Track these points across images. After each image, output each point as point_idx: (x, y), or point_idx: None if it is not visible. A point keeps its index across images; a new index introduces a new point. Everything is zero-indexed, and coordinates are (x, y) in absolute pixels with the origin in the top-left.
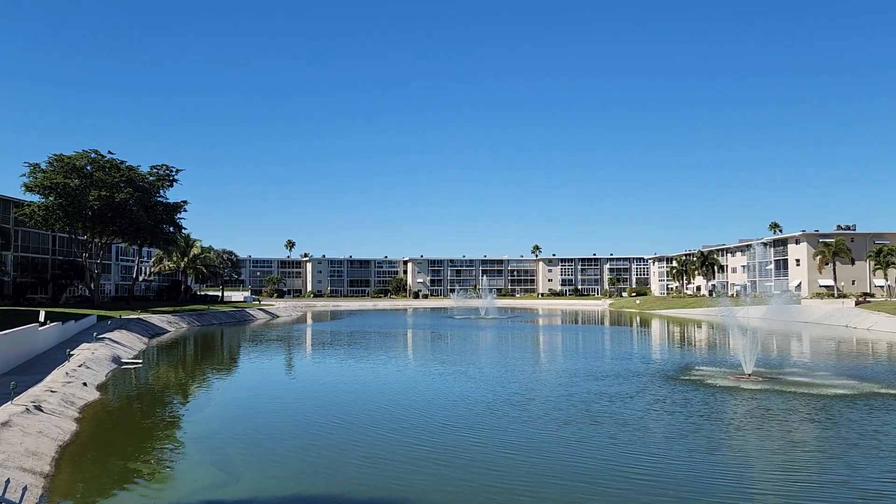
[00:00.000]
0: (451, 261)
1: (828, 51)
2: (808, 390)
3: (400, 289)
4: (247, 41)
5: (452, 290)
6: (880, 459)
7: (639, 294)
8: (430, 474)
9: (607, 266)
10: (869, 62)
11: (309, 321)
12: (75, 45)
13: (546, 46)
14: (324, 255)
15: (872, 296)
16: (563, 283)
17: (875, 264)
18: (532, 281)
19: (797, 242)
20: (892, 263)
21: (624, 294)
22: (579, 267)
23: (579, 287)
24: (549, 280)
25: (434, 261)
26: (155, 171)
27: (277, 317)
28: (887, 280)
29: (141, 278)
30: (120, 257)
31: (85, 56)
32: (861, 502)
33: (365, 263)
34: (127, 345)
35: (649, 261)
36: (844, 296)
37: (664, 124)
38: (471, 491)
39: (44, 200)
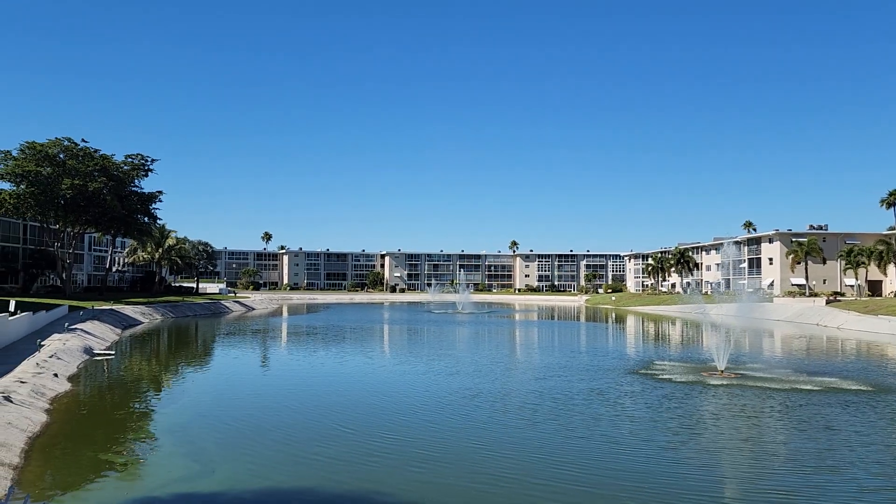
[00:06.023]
0: (429, 255)
1: (807, 57)
2: (780, 386)
3: (377, 282)
4: (227, 33)
5: (429, 285)
6: (849, 454)
7: (614, 291)
8: (404, 471)
9: (584, 262)
10: (846, 69)
11: (285, 314)
12: (46, 33)
13: (527, 47)
14: (301, 248)
15: (843, 295)
16: (540, 278)
17: (846, 264)
18: (509, 276)
19: (770, 241)
20: (862, 263)
21: (600, 290)
22: (556, 263)
23: (556, 283)
24: (525, 275)
25: (411, 255)
26: (130, 160)
27: (253, 309)
28: (857, 280)
29: (114, 269)
30: (93, 247)
31: (58, 44)
32: (831, 495)
33: (342, 257)
34: (99, 336)
35: (625, 258)
36: (816, 294)
37: (643, 125)
38: (447, 490)
39: (15, 188)
